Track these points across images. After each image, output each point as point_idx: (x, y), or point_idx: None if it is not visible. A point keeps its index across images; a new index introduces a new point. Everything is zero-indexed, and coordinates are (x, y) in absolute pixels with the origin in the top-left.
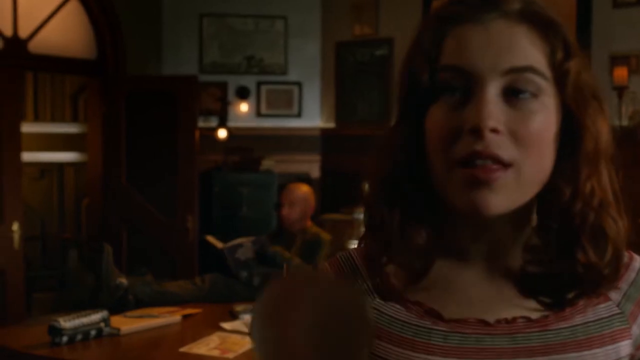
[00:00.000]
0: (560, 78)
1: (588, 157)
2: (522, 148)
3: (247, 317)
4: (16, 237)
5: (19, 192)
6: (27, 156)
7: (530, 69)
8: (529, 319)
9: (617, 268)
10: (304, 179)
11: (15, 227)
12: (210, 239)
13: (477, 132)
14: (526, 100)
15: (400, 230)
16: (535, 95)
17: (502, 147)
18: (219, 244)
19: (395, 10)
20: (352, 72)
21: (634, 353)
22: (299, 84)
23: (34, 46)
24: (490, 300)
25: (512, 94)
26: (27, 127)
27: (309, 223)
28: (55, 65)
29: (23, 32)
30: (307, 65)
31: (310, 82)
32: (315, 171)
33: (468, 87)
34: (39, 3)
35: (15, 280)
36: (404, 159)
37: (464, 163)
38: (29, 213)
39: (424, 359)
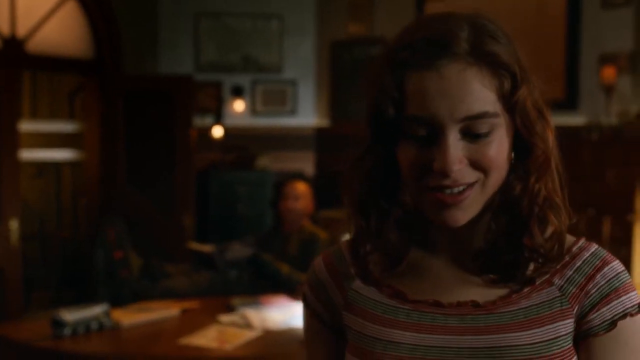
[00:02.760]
0: (509, 108)
1: (537, 165)
2: (483, 170)
3: (243, 310)
4: (14, 234)
5: (17, 189)
6: (25, 154)
7: (483, 115)
8: (477, 303)
9: (559, 253)
10: (299, 176)
11: (13, 224)
12: (194, 245)
13: (444, 173)
14: (481, 137)
15: (377, 232)
16: (489, 131)
17: (467, 175)
18: (206, 248)
19: (391, 9)
20: (347, 71)
21: (577, 330)
22: (294, 83)
23: (32, 46)
24: (450, 284)
25: (469, 135)
26: (24, 125)
27: (306, 222)
28: (52, 64)
29: (21, 32)
30: (302, 64)
31: (305, 81)
32: (309, 169)
33: (431, 131)
34: (37, 3)
35: (14, 278)
36: (378, 176)
37: (433, 188)
38: (27, 211)
39: (390, 332)
